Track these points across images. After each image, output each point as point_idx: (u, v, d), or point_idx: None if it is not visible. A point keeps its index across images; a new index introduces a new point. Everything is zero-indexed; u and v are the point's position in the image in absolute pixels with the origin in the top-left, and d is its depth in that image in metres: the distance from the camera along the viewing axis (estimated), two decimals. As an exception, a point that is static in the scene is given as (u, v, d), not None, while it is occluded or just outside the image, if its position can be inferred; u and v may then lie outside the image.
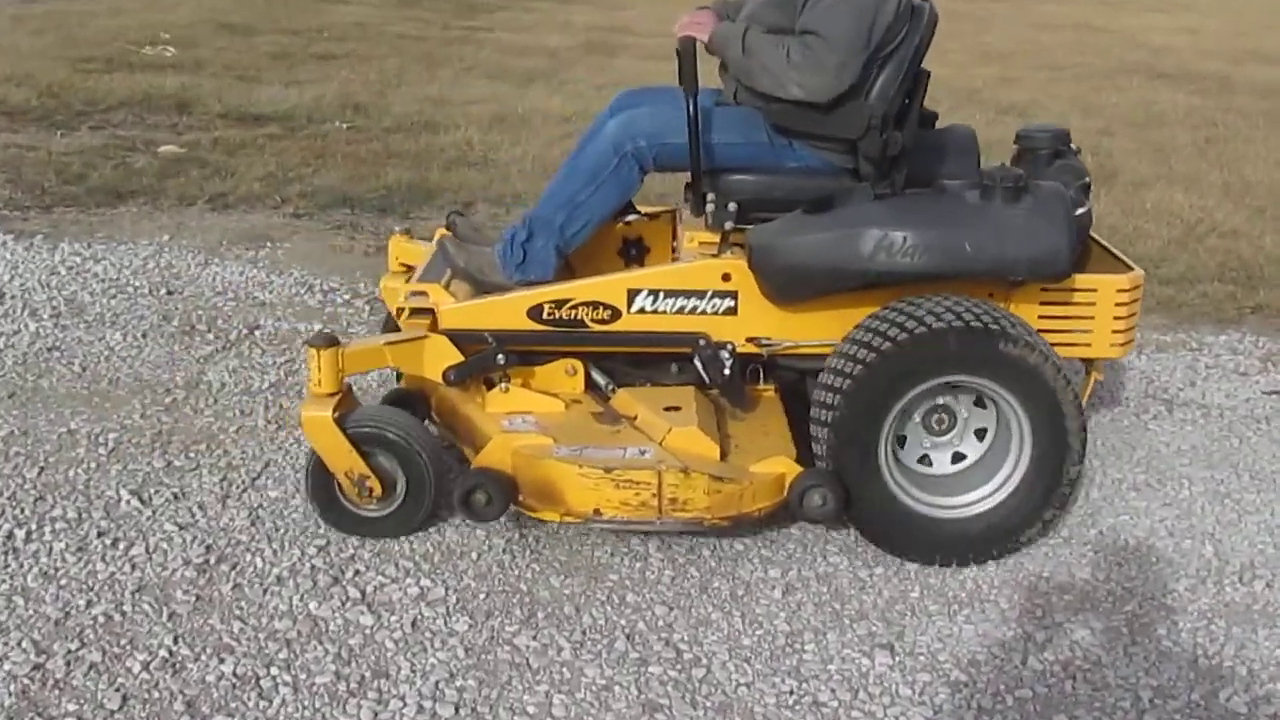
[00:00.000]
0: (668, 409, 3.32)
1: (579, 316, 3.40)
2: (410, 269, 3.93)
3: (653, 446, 3.21)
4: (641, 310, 3.39)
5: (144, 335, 4.63)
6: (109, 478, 3.58)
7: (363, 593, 3.07)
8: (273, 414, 4.03)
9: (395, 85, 9.79)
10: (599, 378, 3.53)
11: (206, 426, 3.93)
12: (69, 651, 2.80)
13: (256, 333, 4.72)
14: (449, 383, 3.39)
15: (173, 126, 8.17)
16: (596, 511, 3.12)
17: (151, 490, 3.52)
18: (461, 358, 3.38)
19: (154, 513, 3.40)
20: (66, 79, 9.29)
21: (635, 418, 3.35)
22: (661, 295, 3.38)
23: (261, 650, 2.83)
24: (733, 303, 3.37)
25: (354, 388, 3.40)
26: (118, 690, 2.68)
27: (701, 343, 3.38)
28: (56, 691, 2.67)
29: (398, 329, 3.54)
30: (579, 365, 3.51)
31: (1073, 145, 3.73)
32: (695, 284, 3.38)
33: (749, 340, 3.40)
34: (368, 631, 2.92)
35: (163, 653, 2.81)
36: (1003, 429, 3.28)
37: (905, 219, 3.20)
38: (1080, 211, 3.42)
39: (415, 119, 8.56)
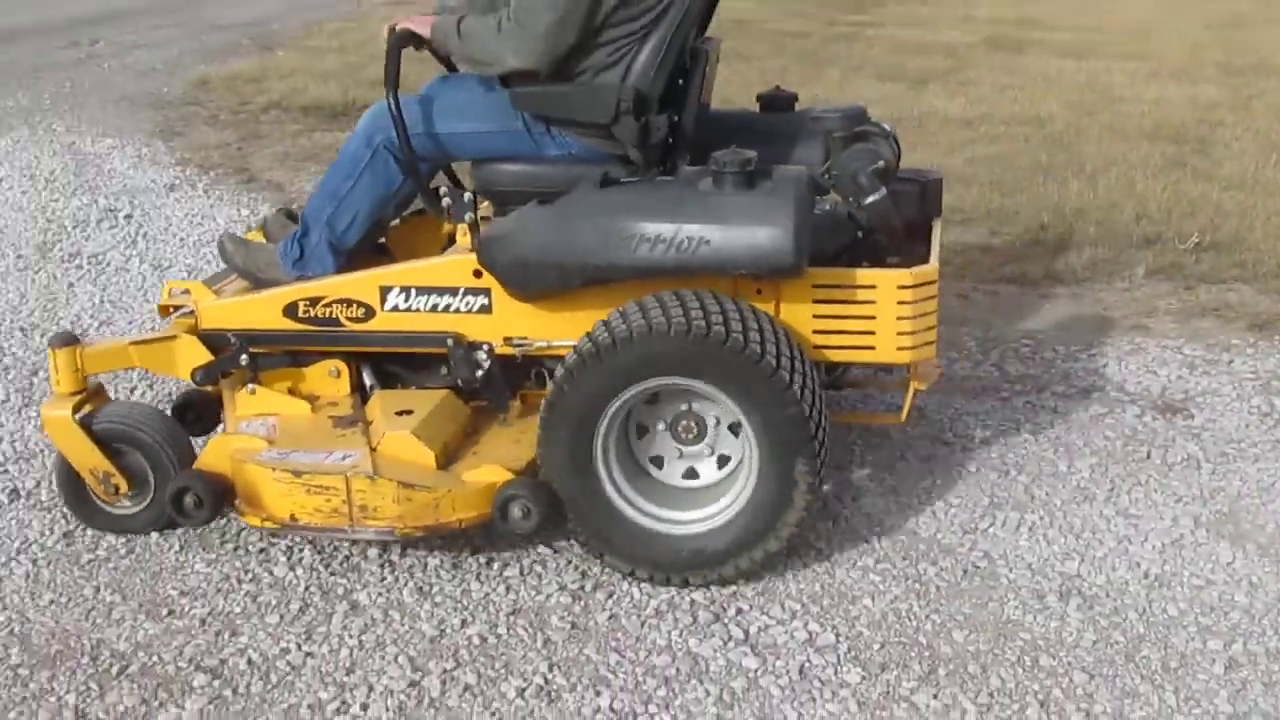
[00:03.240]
0: (400, 413, 3.46)
1: (334, 315, 3.53)
2: None
3: (361, 451, 3.35)
4: (395, 308, 3.50)
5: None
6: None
7: (746, 633, 3.19)
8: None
9: (776, 85, 9.94)
10: (368, 379, 3.69)
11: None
12: (444, 671, 3.05)
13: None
14: (197, 384, 3.67)
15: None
16: (293, 517, 3.30)
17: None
18: (211, 358, 3.60)
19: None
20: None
21: (372, 422, 3.50)
22: (414, 292, 3.49)
23: (639, 686, 3.00)
24: (486, 300, 3.46)
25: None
26: (493, 715, 2.91)
27: (450, 342, 3.49)
28: (432, 711, 2.93)
29: None
30: (343, 367, 3.67)
31: (882, 125, 3.70)
32: (447, 280, 3.47)
33: (506, 341, 3.49)
34: (751, 675, 3.03)
35: (538, 680, 3.03)
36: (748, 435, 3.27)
37: (625, 208, 3.23)
38: (871, 200, 3.39)
39: (800, 121, 8.71)
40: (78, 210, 6.94)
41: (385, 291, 3.49)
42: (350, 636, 3.20)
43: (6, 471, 4.06)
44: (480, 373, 3.52)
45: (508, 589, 3.39)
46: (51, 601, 3.37)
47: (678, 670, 3.05)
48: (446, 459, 3.40)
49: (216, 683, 3.04)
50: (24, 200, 7.17)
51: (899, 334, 3.36)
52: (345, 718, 2.91)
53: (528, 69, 3.37)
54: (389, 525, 3.24)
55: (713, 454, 3.41)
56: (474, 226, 3.48)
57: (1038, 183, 7.18)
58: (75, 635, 3.23)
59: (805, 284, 3.33)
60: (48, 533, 3.69)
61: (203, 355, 3.59)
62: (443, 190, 3.54)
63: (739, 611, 3.28)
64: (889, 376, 4.15)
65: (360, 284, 3.52)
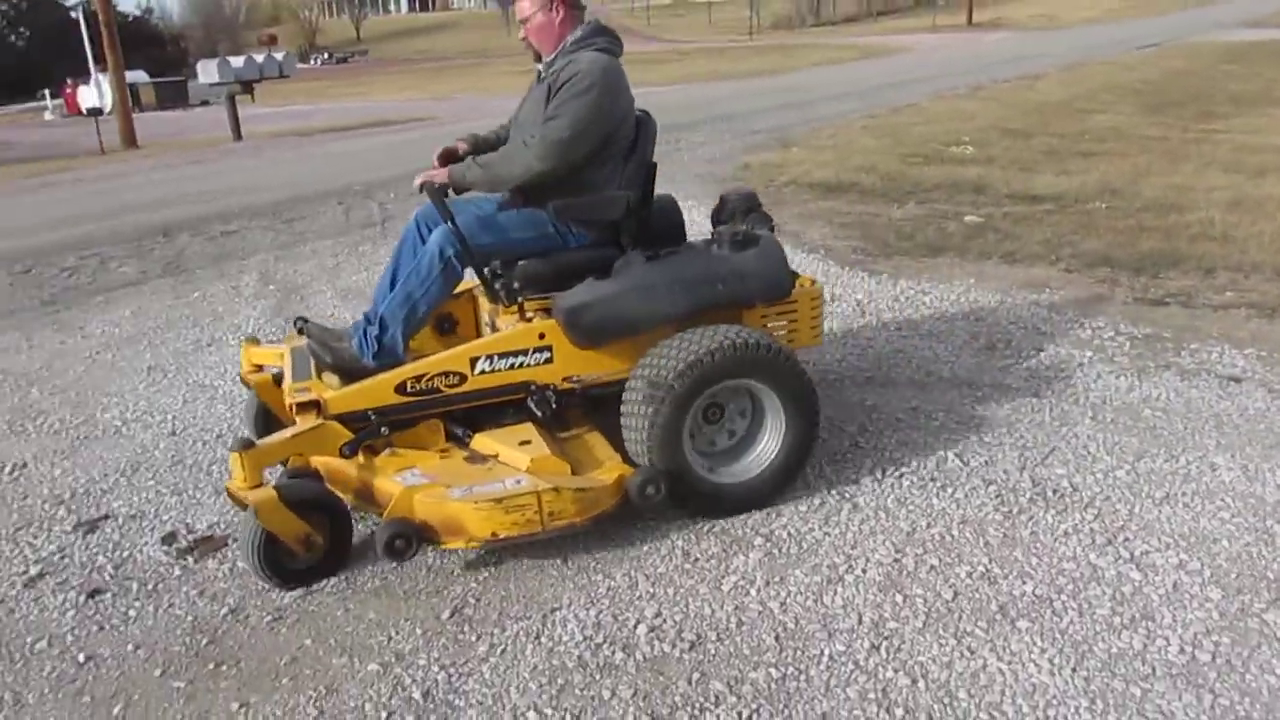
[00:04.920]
0: (522, 443, 3.18)
1: (435, 385, 3.27)
2: (260, 368, 3.83)
3: (525, 475, 3.05)
4: (483, 371, 3.29)
5: (959, 348, 4.83)
6: (938, 442, 3.81)
7: (1131, 554, 3.02)
8: (1055, 413, 4.05)
9: (1144, 175, 9.24)
10: (456, 429, 3.35)
11: (1005, 416, 4.03)
12: (916, 555, 3.06)
13: (1040, 354, 4.73)
14: (345, 456, 3.15)
15: (972, 203, 8.38)
16: (494, 534, 2.96)
17: (969, 455, 3.69)
18: (351, 435, 3.16)
19: (970, 471, 3.57)
20: (898, 169, 9.88)
21: (497, 456, 3.18)
22: (496, 357, 3.30)
23: (1053, 581, 2.90)
24: (549, 354, 3.34)
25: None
26: (950, 586, 2.89)
27: (533, 388, 3.31)
28: (907, 579, 2.95)
29: (264, 414, 3.49)
30: (439, 423, 3.34)
31: (759, 202, 3.77)
32: (520, 345, 3.32)
33: (565, 380, 3.35)
34: (1136, 584, 2.88)
35: (980, 568, 2.98)
36: (759, 409, 3.31)
37: (673, 273, 3.25)
38: None
39: (1162, 201, 8.03)
40: (672, 245, 7.33)
41: (474, 361, 3.28)
42: (853, 525, 3.26)
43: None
44: (553, 405, 3.32)
45: (957, 505, 3.35)
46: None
47: (1081, 574, 2.93)
48: (575, 467, 3.18)
49: (768, 544, 3.18)
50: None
51: (811, 327, 3.54)
52: (851, 575, 2.98)
53: (547, 169, 3.25)
54: (569, 522, 3.01)
55: (725, 428, 3.38)
56: (521, 307, 3.39)
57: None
58: (681, 504, 3.44)
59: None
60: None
61: (345, 434, 3.17)
62: (498, 285, 3.40)
63: (1125, 539, 3.10)
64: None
65: (454, 359, 3.28)
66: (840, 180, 9.48)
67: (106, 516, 3.62)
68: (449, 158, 3.59)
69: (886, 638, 2.68)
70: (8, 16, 61.16)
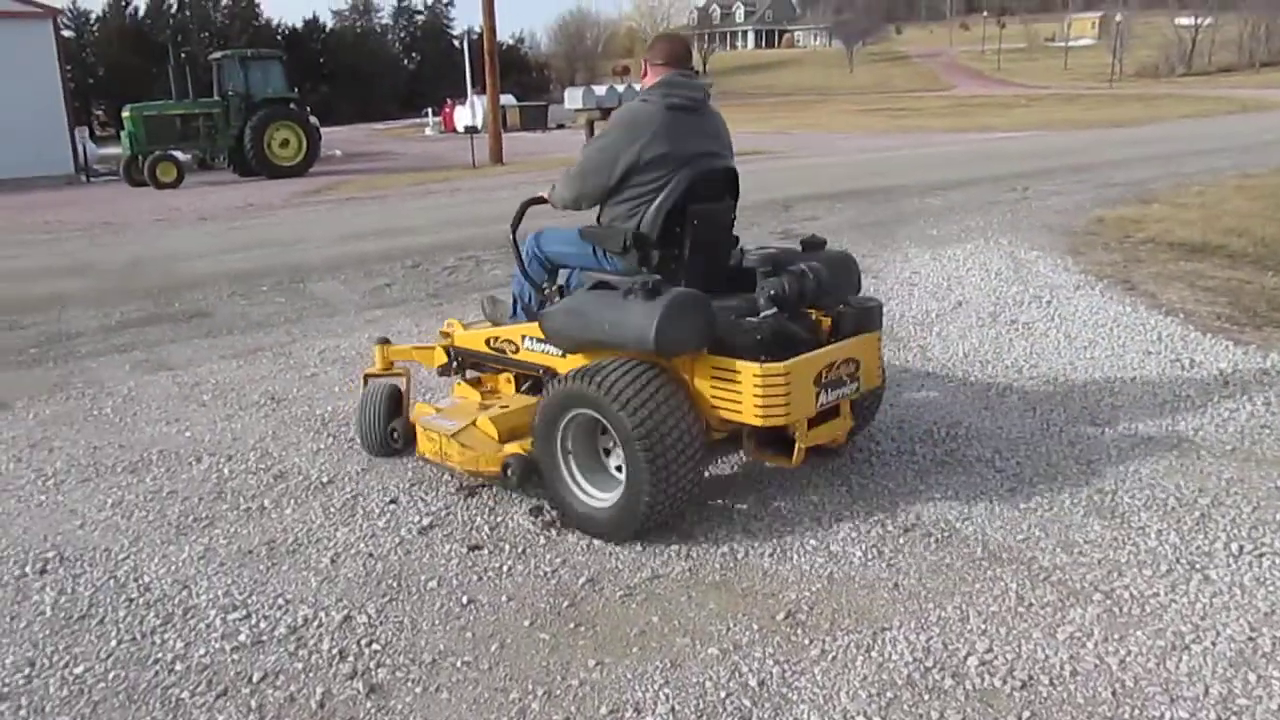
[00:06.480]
0: (502, 407, 4.00)
1: (503, 347, 4.15)
2: None
3: (461, 423, 3.94)
4: (527, 349, 4.03)
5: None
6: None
7: None
8: None
9: None
10: (523, 386, 4.16)
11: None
12: (1276, 637, 2.93)
13: None
14: (440, 374, 4.56)
15: None
16: (423, 455, 4.09)
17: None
18: (447, 360, 4.43)
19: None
20: (1277, 233, 9.09)
21: (489, 408, 4.02)
22: (535, 340, 3.95)
23: None
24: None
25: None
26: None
27: (541, 371, 3.98)
28: (1264, 659, 2.82)
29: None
30: (512, 376, 4.23)
31: (806, 265, 3.68)
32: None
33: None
34: None
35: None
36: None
37: (587, 306, 3.54)
38: (764, 314, 3.49)
39: None
40: (1015, 294, 7.18)
41: (524, 338, 4.04)
42: (1203, 597, 3.14)
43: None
44: None
45: (1327, 595, 3.14)
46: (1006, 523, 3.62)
47: None
48: (508, 437, 3.84)
49: (1108, 601, 3.13)
50: (981, 285, 7.54)
51: (755, 406, 3.37)
52: (1198, 645, 2.88)
53: (570, 197, 3.84)
54: (455, 465, 3.92)
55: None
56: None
57: None
58: (1020, 549, 3.46)
59: (708, 364, 3.46)
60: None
61: (443, 359, 4.46)
62: (545, 286, 4.09)
63: None
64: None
65: (514, 332, 4.11)
66: (1206, 241, 8.85)
67: (483, 485, 4.13)
68: None
69: (1235, 713, 2.59)
70: (404, 42, 68.77)
